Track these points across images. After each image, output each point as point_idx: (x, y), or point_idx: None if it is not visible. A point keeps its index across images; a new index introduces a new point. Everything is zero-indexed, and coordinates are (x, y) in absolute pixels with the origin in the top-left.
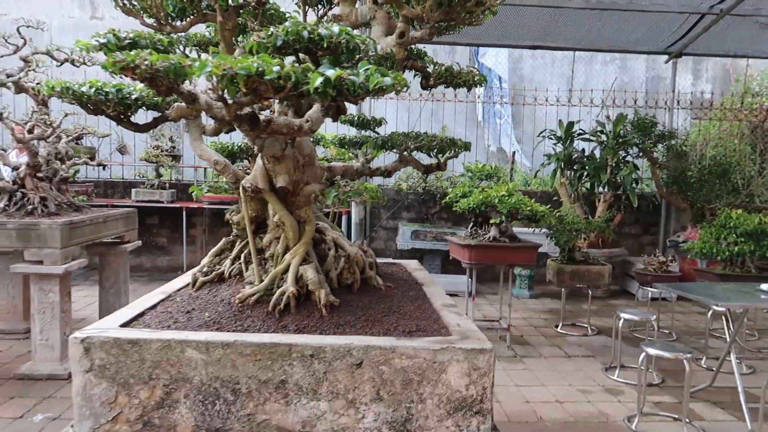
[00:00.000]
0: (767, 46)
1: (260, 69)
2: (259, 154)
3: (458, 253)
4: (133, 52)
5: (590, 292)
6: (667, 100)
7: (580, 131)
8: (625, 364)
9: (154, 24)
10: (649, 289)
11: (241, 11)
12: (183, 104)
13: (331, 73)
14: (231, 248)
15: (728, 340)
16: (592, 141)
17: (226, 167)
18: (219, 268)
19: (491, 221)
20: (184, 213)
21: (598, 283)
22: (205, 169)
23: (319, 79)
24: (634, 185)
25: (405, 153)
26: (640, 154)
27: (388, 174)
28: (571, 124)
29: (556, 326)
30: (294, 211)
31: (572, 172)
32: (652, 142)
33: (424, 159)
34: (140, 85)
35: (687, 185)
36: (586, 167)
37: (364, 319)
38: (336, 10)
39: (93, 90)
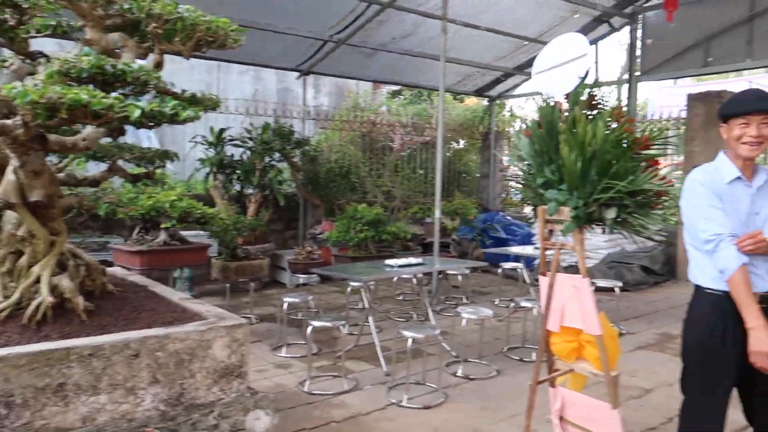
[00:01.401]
0: (369, 71)
1: (87, 100)
2: (10, 170)
3: (127, 261)
4: None
5: (252, 285)
6: (299, 111)
7: (230, 137)
8: (289, 342)
9: None
10: (300, 276)
11: None
12: None
13: (145, 105)
14: None
15: (366, 307)
16: (240, 146)
17: None
18: None
19: (162, 226)
20: None
21: (259, 275)
22: None
23: (138, 111)
24: (279, 186)
25: (115, 163)
26: (282, 158)
27: (96, 183)
28: (222, 131)
29: None
30: (47, 223)
31: (224, 176)
32: (292, 148)
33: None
34: None
35: (319, 185)
36: (237, 171)
37: (123, 319)
38: (88, 35)
39: None
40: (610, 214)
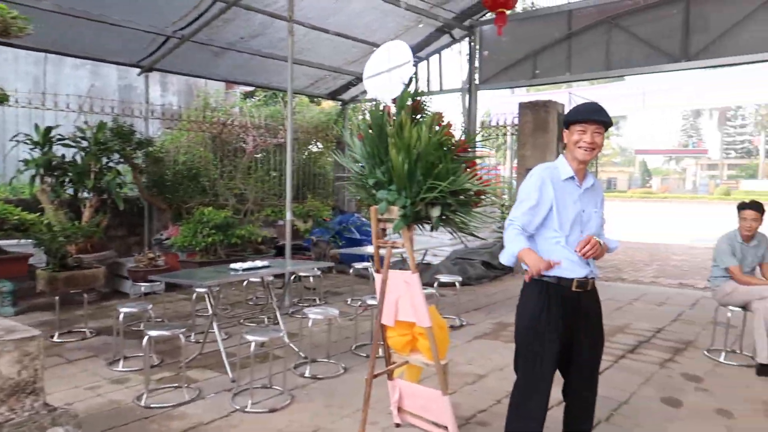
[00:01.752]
0: (219, 70)
1: None
2: None
3: None
4: None
5: (86, 297)
6: (142, 110)
7: (60, 136)
8: (127, 355)
9: None
10: (141, 284)
11: None
12: None
13: None
14: None
15: (210, 313)
16: (73, 146)
17: None
18: None
19: None
20: None
21: (94, 285)
22: None
23: None
24: (118, 189)
25: None
26: (122, 159)
27: None
28: (49, 129)
29: (52, 337)
30: None
31: (54, 179)
32: (132, 149)
33: None
34: None
35: (165, 188)
36: (69, 173)
37: None
38: None
39: None
40: (435, 212)
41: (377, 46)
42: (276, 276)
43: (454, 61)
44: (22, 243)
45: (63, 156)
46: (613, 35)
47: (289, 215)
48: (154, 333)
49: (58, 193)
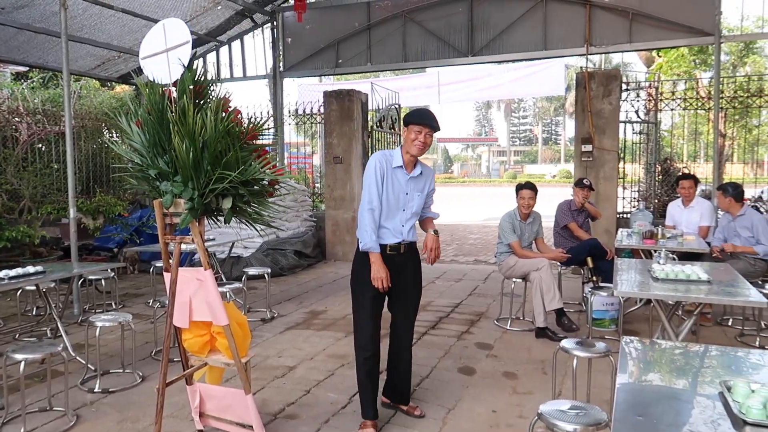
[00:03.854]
0: None
1: None
2: None
3: None
4: None
5: None
6: None
7: None
8: None
9: None
10: None
11: None
12: None
13: None
14: None
15: None
16: None
17: None
18: None
19: None
20: None
21: None
22: None
23: None
24: None
25: None
26: None
27: None
28: None
29: None
30: None
31: None
32: None
33: None
34: None
35: None
36: None
37: None
38: None
39: None
40: (227, 203)
41: None
42: (63, 281)
43: (258, 48)
44: None
45: None
46: (408, 29)
47: (72, 212)
48: None
49: None
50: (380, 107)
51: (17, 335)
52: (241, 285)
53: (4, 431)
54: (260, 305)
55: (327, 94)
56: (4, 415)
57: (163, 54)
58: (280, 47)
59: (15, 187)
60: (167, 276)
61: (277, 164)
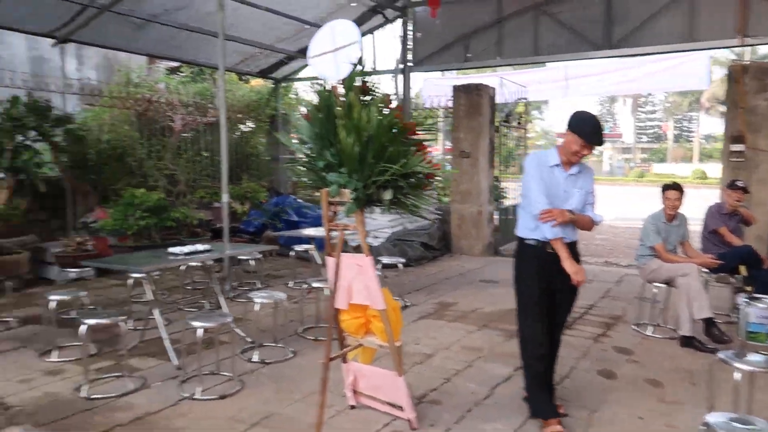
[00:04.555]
0: (141, 44)
1: None
2: None
3: None
4: None
5: (10, 284)
6: (58, 84)
7: None
8: (61, 345)
9: None
10: (70, 270)
11: None
12: None
13: None
14: None
15: (150, 299)
16: None
17: None
18: None
19: None
20: None
21: (17, 272)
22: None
23: None
24: (37, 170)
25: None
26: (39, 137)
27: None
28: None
29: None
30: None
31: None
32: (50, 126)
33: None
34: None
35: (88, 168)
36: None
37: None
38: None
39: None
40: (387, 195)
41: (309, 24)
42: (217, 259)
43: (388, 42)
44: None
45: None
46: (541, 21)
47: (225, 197)
48: (91, 321)
49: None
50: (507, 101)
51: (180, 306)
52: (379, 272)
53: (182, 388)
54: (392, 294)
55: (456, 89)
56: (182, 375)
57: (331, 53)
58: (410, 42)
59: (172, 173)
60: (330, 261)
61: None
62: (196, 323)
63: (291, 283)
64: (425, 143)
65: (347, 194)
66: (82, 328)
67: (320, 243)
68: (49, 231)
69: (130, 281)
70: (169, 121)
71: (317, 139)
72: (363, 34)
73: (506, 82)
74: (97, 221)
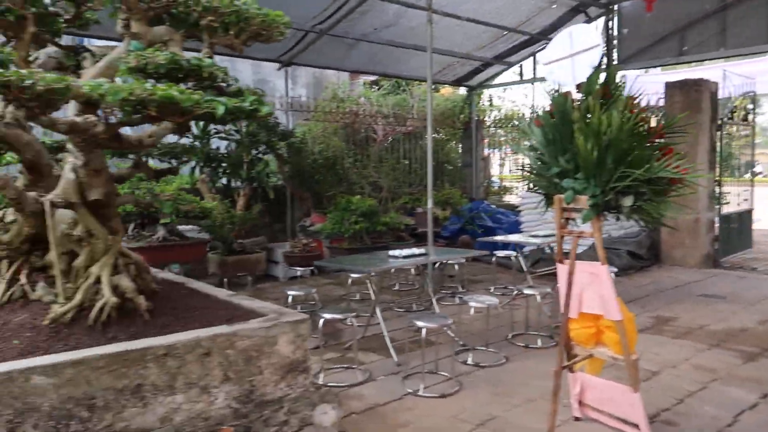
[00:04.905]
0: (350, 62)
1: (179, 97)
2: (68, 169)
3: None
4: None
5: (250, 279)
6: (282, 103)
7: (215, 129)
8: None
9: None
10: (297, 268)
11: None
12: None
13: (227, 101)
14: None
15: (373, 298)
16: (227, 139)
17: (8, 183)
18: None
19: (161, 222)
20: None
21: (256, 269)
22: None
23: (222, 108)
24: (268, 179)
25: (140, 159)
26: (268, 150)
27: (121, 180)
28: (207, 123)
29: None
30: (105, 223)
31: (211, 169)
32: (277, 140)
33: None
34: None
35: (305, 177)
36: (223, 164)
37: (181, 317)
38: (133, 28)
39: None
40: (628, 201)
41: (508, 29)
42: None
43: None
44: (187, 229)
45: (217, 148)
46: None
47: (430, 203)
48: (328, 316)
49: (214, 183)
50: (732, 96)
51: (391, 306)
52: None
53: (405, 384)
54: None
55: (670, 86)
56: (402, 371)
57: (569, 58)
58: (614, 39)
59: (376, 180)
60: (562, 268)
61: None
62: (419, 323)
63: (492, 289)
64: (671, 146)
65: (583, 200)
66: (320, 322)
67: (517, 250)
68: (272, 233)
69: (350, 280)
70: (371, 131)
71: (550, 145)
72: None
73: (731, 75)
74: (313, 225)
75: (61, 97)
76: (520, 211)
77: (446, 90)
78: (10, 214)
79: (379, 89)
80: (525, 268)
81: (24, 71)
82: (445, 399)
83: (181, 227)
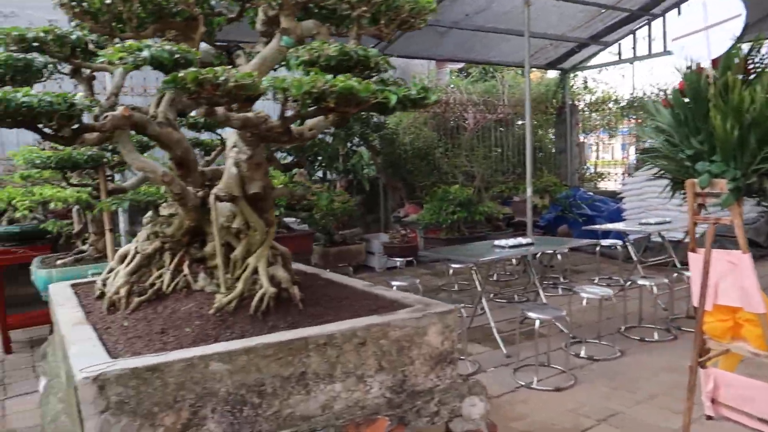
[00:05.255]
0: (441, 50)
1: (357, 88)
2: (231, 163)
3: None
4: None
5: (350, 269)
6: None
7: None
8: None
9: (101, 29)
10: (397, 259)
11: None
12: (118, 113)
13: (396, 90)
14: (149, 264)
15: (479, 288)
16: (324, 132)
17: (173, 179)
18: (155, 285)
19: None
20: None
21: (357, 260)
22: None
23: (394, 97)
24: (364, 171)
25: (272, 153)
26: (361, 142)
27: None
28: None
29: None
30: (262, 215)
31: (308, 162)
32: (370, 132)
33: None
34: (80, 94)
35: (398, 168)
36: (319, 156)
37: (331, 308)
38: (283, 24)
39: (36, 101)
40: None
41: (606, 6)
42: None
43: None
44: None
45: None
46: None
47: (529, 191)
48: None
49: (311, 176)
50: None
51: (491, 296)
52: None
53: (516, 376)
54: None
55: None
56: (512, 363)
57: (702, 32)
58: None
59: (468, 169)
60: (695, 257)
61: None
62: (532, 314)
63: (596, 279)
64: None
65: (721, 184)
66: None
67: (621, 238)
68: (367, 224)
69: (451, 271)
70: (462, 120)
71: (681, 126)
72: (666, 10)
73: None
74: (407, 215)
75: (247, 93)
76: (621, 198)
77: (534, 75)
78: (164, 208)
79: (467, 77)
80: (635, 258)
81: (218, 68)
82: (560, 392)
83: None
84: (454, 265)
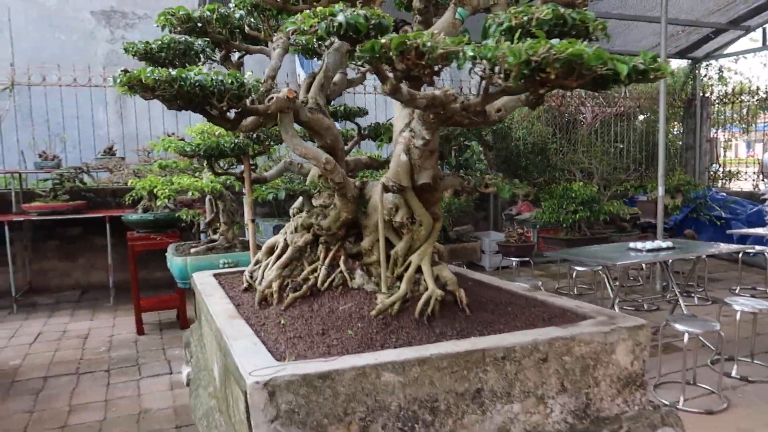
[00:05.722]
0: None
1: (588, 54)
2: (401, 150)
3: None
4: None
5: (464, 267)
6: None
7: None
8: None
9: (273, 1)
10: (513, 258)
11: None
12: (283, 95)
13: (627, 59)
14: (300, 257)
15: (611, 294)
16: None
17: (336, 167)
18: (309, 280)
19: None
20: (6, 228)
21: (472, 258)
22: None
23: (625, 67)
24: (476, 166)
25: None
26: (472, 137)
27: (382, 166)
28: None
29: None
30: (429, 208)
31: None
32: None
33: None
34: (249, 73)
35: (514, 164)
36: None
37: (500, 314)
38: None
39: (209, 80)
40: None
41: None
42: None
43: None
44: None
45: None
46: None
47: (661, 190)
48: None
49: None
50: None
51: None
52: None
53: (657, 394)
54: None
55: None
56: (652, 378)
57: None
58: None
59: (586, 166)
60: None
61: None
62: (679, 326)
63: (737, 289)
64: None
65: None
66: None
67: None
68: (476, 221)
69: (574, 273)
70: (578, 114)
71: None
72: None
73: None
74: (520, 213)
75: (448, 62)
76: (765, 199)
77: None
78: (317, 198)
79: None
80: None
81: (425, 33)
82: (712, 416)
83: None
84: (578, 268)
